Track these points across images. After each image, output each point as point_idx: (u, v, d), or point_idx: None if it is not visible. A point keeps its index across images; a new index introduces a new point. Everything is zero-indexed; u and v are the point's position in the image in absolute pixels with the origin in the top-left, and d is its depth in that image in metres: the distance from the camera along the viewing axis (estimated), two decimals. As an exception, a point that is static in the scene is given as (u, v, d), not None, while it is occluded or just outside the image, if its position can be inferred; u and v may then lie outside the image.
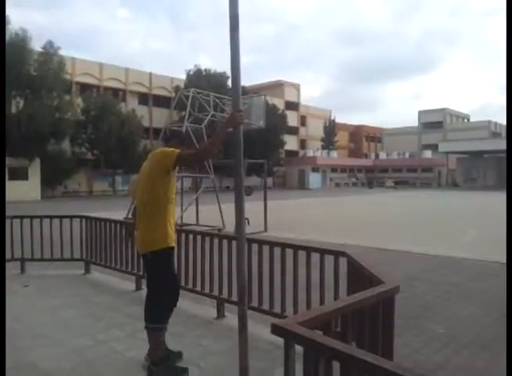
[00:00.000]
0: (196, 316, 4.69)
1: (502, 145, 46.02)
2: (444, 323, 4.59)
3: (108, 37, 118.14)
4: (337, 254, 3.77)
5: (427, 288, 6.09)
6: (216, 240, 4.75)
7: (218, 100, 12.89)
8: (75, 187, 34.02)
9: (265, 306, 4.24)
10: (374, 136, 70.10)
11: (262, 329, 3.91)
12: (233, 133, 2.89)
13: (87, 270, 6.71)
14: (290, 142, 50.57)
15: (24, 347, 3.79)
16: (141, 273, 5.68)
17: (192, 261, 4.93)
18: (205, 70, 40.27)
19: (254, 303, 4.27)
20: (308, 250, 4.00)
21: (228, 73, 2.94)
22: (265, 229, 11.65)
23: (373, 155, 63.22)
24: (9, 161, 27.36)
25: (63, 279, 6.34)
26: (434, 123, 63.01)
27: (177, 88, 36.22)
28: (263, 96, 13.73)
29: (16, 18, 59.33)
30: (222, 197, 12.09)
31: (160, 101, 40.80)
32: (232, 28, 2.77)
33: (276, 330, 1.74)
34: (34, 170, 28.60)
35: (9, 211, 9.23)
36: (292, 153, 52.52)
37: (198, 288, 4.91)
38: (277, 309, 4.12)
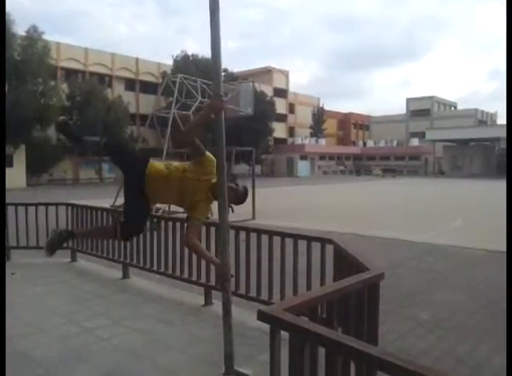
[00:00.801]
0: (183, 303, 4.70)
1: (488, 133, 46.58)
2: (428, 309, 4.66)
3: (94, 21, 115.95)
4: (324, 241, 3.80)
5: (412, 275, 6.18)
6: (204, 228, 4.74)
7: (205, 86, 12.77)
8: (61, 175, 33.63)
9: (252, 293, 4.26)
10: (362, 124, 70.30)
11: (249, 316, 3.93)
12: (215, 119, 2.83)
13: (73, 258, 6.66)
14: (279, 130, 50.47)
15: (13, 335, 3.76)
16: (127, 261, 5.66)
17: (180, 248, 4.92)
18: (192, 55, 39.78)
19: (242, 290, 4.30)
20: (295, 237, 4.02)
21: None
22: (253, 217, 11.67)
23: (360, 143, 63.47)
24: (-7, 148, 26.93)
25: (50, 267, 6.28)
26: (421, 111, 63.34)
27: (164, 74, 35.75)
28: (251, 83, 13.64)
29: (-2, 1, 57.51)
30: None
31: (147, 87, 40.28)
32: (212, 10, 2.71)
33: (262, 316, 1.74)
34: (20, 157, 28.15)
35: (-7, 199, 9.12)
36: (280, 141, 52.44)
37: (185, 276, 4.91)
38: (264, 295, 4.14)
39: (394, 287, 5.24)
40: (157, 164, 3.19)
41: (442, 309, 4.65)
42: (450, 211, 14.63)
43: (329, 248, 3.69)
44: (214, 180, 3.04)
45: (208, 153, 3.07)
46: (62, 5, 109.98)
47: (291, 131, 56.58)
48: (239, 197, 3.20)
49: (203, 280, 4.70)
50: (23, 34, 27.40)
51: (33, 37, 27.45)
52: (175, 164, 3.23)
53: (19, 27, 26.89)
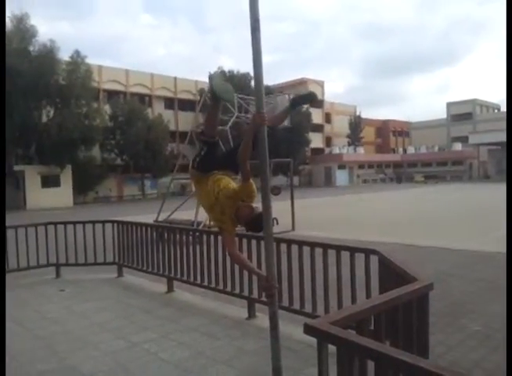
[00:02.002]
0: (227, 316, 4.72)
1: (536, 134, 44.33)
2: (479, 320, 4.46)
3: (133, 44, 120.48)
4: (368, 252, 3.72)
5: (460, 284, 5.94)
6: (245, 240, 4.76)
7: (242, 101, 12.92)
8: (106, 192, 34.76)
9: (296, 306, 4.22)
10: (401, 131, 68.76)
11: (293, 328, 3.90)
12: (258, 134, 2.89)
13: (120, 274, 6.84)
14: (316, 140, 50.19)
15: (64, 350, 3.90)
16: (172, 275, 5.75)
17: (222, 262, 4.96)
18: (228, 71, 40.44)
19: (285, 303, 4.26)
20: (338, 248, 3.96)
21: (251, 73, 2.93)
22: (293, 228, 11.61)
23: (400, 150, 62.06)
24: (41, 169, 28.22)
25: (97, 283, 6.49)
26: (463, 114, 61.31)
27: (201, 91, 36.47)
28: (287, 95, 13.68)
29: (44, 30, 61.14)
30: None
31: (186, 105, 41.21)
32: (253, 30, 2.76)
33: (309, 330, 1.72)
34: (66, 177, 29.36)
35: (43, 218, 9.55)
36: (318, 151, 52.11)
37: (228, 289, 4.93)
38: (308, 308, 4.10)
39: (442, 297, 5.05)
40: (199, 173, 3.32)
41: (494, 320, 4.44)
42: (498, 216, 13.98)
43: (374, 259, 3.61)
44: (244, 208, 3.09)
45: (252, 182, 3.12)
46: (102, 30, 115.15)
47: (328, 141, 56.14)
48: (253, 218, 3.06)
49: (246, 292, 4.71)
50: (67, 59, 28.77)
51: (76, 61, 28.76)
52: (221, 178, 3.29)
53: (62, 53, 28.30)
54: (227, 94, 3.13)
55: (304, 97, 3.42)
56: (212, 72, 40.26)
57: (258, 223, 3.04)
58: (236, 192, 3.14)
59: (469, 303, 5.07)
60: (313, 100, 3.39)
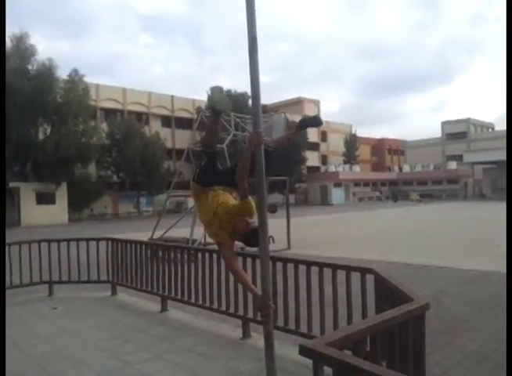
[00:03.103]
0: (222, 336, 4.66)
1: (530, 154, 44.73)
2: (476, 339, 4.42)
3: (131, 63, 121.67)
4: (364, 271, 3.70)
5: (457, 303, 5.90)
6: (240, 258, 4.73)
7: (239, 120, 13.02)
8: (101, 210, 34.60)
9: (291, 326, 4.17)
10: (397, 149, 69.29)
11: (289, 349, 3.85)
12: (255, 152, 2.92)
13: (113, 292, 6.76)
14: (312, 158, 50.46)
15: (55, 370, 3.82)
16: (166, 294, 5.69)
17: (217, 280, 4.92)
18: (226, 91, 40.84)
19: (280, 322, 4.21)
20: (334, 267, 3.94)
21: (249, 93, 3.02)
22: (289, 247, 11.56)
23: (396, 168, 62.42)
24: (37, 186, 28.13)
25: (91, 301, 6.41)
26: (457, 133, 61.96)
27: (198, 110, 36.64)
28: (283, 114, 13.82)
29: (42, 48, 61.75)
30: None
31: (183, 123, 41.43)
32: (251, 49, 2.81)
33: (305, 351, 1.70)
34: (62, 194, 29.25)
35: (37, 235, 9.48)
36: (314, 169, 52.33)
37: (223, 308, 4.88)
38: (303, 328, 4.05)
39: (439, 316, 5.01)
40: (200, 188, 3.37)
41: (491, 339, 4.40)
42: (494, 235, 14.00)
43: (370, 278, 3.59)
44: (240, 223, 3.14)
45: (250, 199, 3.16)
46: (100, 49, 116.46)
47: (324, 159, 56.44)
48: (249, 232, 3.11)
49: (240, 312, 4.66)
50: (65, 77, 28.97)
51: (74, 80, 28.98)
52: (220, 193, 3.32)
53: (60, 72, 28.52)
54: (223, 105, 3.31)
55: (312, 121, 3.52)
56: (209, 91, 40.73)
57: (255, 237, 3.07)
58: (235, 208, 3.20)
59: (466, 322, 5.04)
60: (319, 123, 3.50)
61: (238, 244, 3.43)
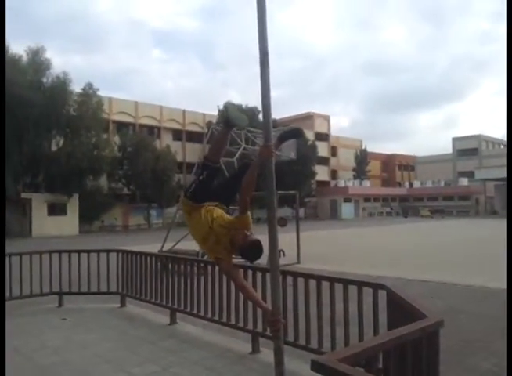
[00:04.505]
0: (230, 350, 4.62)
1: (543, 170, 44.22)
2: (490, 358, 4.33)
3: (143, 77, 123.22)
4: (376, 286, 3.65)
5: (469, 321, 5.80)
6: (250, 272, 4.71)
7: (249, 134, 13.09)
8: (112, 221, 34.75)
9: (302, 341, 4.12)
10: (407, 165, 68.95)
11: (299, 365, 3.80)
12: (265, 166, 2.92)
13: (123, 303, 6.76)
14: (321, 173, 50.39)
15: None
16: (175, 306, 5.67)
17: (226, 293, 4.89)
18: (237, 105, 41.15)
19: (290, 338, 4.16)
20: (345, 283, 3.90)
21: (259, 107, 3.04)
22: (298, 261, 11.49)
23: (406, 184, 62.04)
24: (48, 197, 28.40)
25: (100, 312, 6.40)
26: (468, 150, 61.55)
27: (209, 124, 36.97)
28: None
29: (57, 61, 62.94)
30: (254, 228, 12.06)
31: (193, 136, 41.73)
32: (262, 63, 2.84)
33: (316, 366, 1.68)
34: (73, 205, 29.48)
35: (48, 246, 9.54)
36: (323, 184, 52.22)
37: (232, 321, 4.84)
38: (314, 344, 4.00)
39: (452, 334, 4.92)
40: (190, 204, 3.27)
41: (504, 358, 4.29)
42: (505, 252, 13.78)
43: (382, 294, 3.54)
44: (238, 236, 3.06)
45: (249, 214, 3.13)
46: (113, 64, 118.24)
47: (334, 174, 56.34)
48: (248, 245, 3.02)
49: (250, 326, 4.62)
50: (79, 91, 29.44)
51: (88, 93, 29.44)
52: (213, 208, 3.26)
53: (73, 85, 28.97)
54: (242, 121, 3.21)
55: (291, 133, 3.48)
56: (220, 106, 41.08)
57: (253, 251, 3.02)
58: (232, 222, 3.14)
59: (479, 341, 4.94)
60: (299, 135, 3.44)
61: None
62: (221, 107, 40.53)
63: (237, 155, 12.82)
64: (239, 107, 38.10)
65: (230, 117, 3.20)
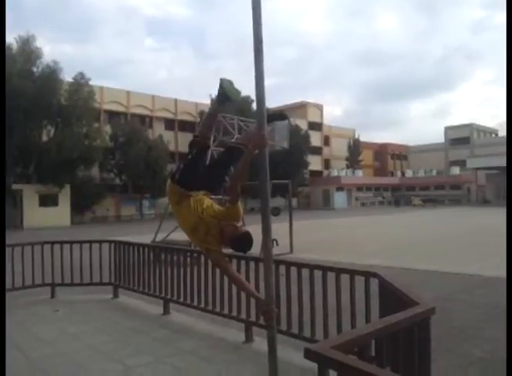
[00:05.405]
0: (223, 339, 4.64)
1: (533, 159, 44.53)
2: (481, 346, 4.38)
3: (135, 66, 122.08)
4: (368, 275, 3.67)
5: (462, 309, 5.86)
6: (243, 262, 4.71)
7: (242, 123, 13.03)
8: (104, 212, 34.65)
9: (295, 330, 4.15)
10: (400, 154, 69.22)
11: (292, 353, 3.82)
12: (258, 155, 2.90)
13: (115, 294, 6.75)
14: (314, 163, 50.47)
15: (55, 373, 3.81)
16: (168, 297, 5.67)
17: (220, 283, 4.90)
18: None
19: (283, 326, 4.19)
20: (338, 271, 3.92)
21: (252, 97, 3.03)
22: (291, 251, 11.54)
23: (399, 173, 62.36)
24: (40, 188, 28.19)
25: (92, 303, 6.39)
26: (460, 139, 61.87)
27: (202, 113, 36.83)
28: (287, 119, 13.79)
29: (48, 50, 61.95)
30: (247, 218, 12.05)
31: (186, 126, 41.53)
32: (257, 51, 2.82)
33: (310, 354, 1.68)
34: (65, 196, 29.30)
35: (40, 237, 9.49)
36: (316, 173, 52.32)
37: (225, 311, 4.86)
38: (307, 332, 4.02)
39: (444, 322, 4.97)
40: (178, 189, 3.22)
41: (497, 346, 4.35)
42: (498, 241, 13.93)
43: (374, 282, 3.56)
44: (228, 228, 3.05)
45: (239, 204, 3.11)
46: (104, 53, 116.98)
47: (327, 164, 56.45)
48: (238, 237, 3.03)
49: (243, 315, 4.64)
50: (70, 80, 29.08)
51: (80, 83, 29.09)
52: (203, 198, 3.24)
53: (64, 74, 28.61)
54: (234, 94, 3.25)
55: (278, 115, 3.67)
56: (213, 95, 40.80)
57: (244, 243, 3.02)
58: (222, 212, 3.11)
59: (470, 328, 5.00)
60: (285, 118, 3.53)
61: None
62: (214, 96, 40.32)
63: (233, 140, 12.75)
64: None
65: (223, 89, 3.22)
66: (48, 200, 28.39)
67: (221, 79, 3.26)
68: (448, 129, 64.26)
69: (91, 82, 30.16)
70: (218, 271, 4.91)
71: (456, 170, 55.48)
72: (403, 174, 61.08)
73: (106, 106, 36.62)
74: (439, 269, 8.85)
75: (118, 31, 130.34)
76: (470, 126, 62.04)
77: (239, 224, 3.11)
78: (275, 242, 10.46)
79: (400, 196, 56.26)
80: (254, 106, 3.07)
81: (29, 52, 27.47)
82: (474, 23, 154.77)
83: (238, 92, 3.28)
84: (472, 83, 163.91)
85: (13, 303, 6.25)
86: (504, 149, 50.51)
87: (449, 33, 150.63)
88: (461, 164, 54.20)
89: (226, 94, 3.20)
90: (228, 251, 3.38)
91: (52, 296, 6.81)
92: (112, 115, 36.77)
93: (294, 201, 43.21)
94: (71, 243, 6.94)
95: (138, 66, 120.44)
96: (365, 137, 63.30)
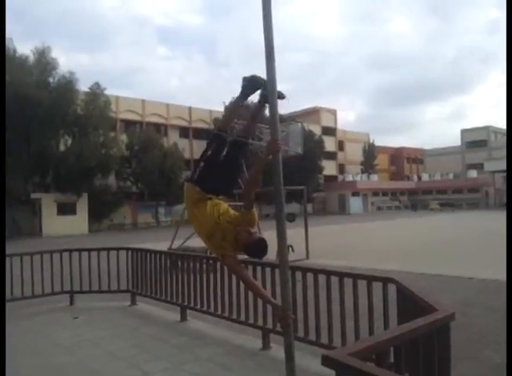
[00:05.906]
0: (241, 346, 4.63)
1: (554, 161, 43.65)
2: (502, 352, 4.29)
3: (149, 75, 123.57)
4: (385, 280, 3.64)
5: (481, 314, 5.76)
6: (259, 268, 4.71)
7: (255, 129, 13.05)
8: (121, 220, 34.97)
9: (312, 336, 4.12)
10: (415, 158, 68.54)
11: (310, 360, 3.80)
12: (272, 161, 2.90)
13: (133, 301, 6.80)
14: (329, 168, 50.26)
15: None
16: (185, 304, 5.70)
17: (236, 290, 4.90)
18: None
19: (300, 333, 4.17)
20: (355, 277, 3.89)
21: None
22: (307, 257, 11.48)
23: (415, 177, 61.69)
24: (58, 197, 28.62)
25: (111, 310, 6.45)
26: (477, 141, 60.99)
27: (216, 120, 37.01)
28: (300, 123, 13.80)
29: (63, 61, 63.32)
30: (262, 224, 12.05)
31: (200, 133, 41.75)
32: (268, 58, 2.84)
33: (327, 361, 1.67)
34: (82, 205, 29.69)
35: (58, 245, 9.63)
36: (331, 178, 52.09)
37: (242, 318, 4.85)
38: (324, 339, 4.00)
39: (463, 327, 4.89)
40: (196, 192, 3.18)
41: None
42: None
43: (391, 288, 3.53)
44: (241, 235, 3.03)
45: (254, 210, 3.11)
46: (118, 62, 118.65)
47: (341, 169, 56.16)
48: (253, 243, 3.00)
49: (260, 322, 4.63)
50: (85, 90, 29.55)
51: (96, 92, 29.55)
52: (219, 202, 3.23)
53: (80, 84, 29.07)
54: (257, 82, 3.17)
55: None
56: (226, 102, 41.02)
57: (258, 249, 3.00)
58: (237, 218, 3.09)
59: (491, 334, 4.90)
60: (282, 97, 3.36)
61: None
62: (227, 104, 40.57)
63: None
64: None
65: (246, 78, 3.20)
66: (66, 209, 28.80)
67: (243, 78, 3.22)
68: (464, 132, 63.41)
69: (106, 92, 30.62)
70: (234, 278, 4.91)
71: (473, 173, 54.65)
72: (419, 178, 60.41)
73: (122, 115, 37.09)
74: (459, 274, 8.70)
75: (130, 41, 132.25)
76: (486, 128, 61.12)
77: (254, 230, 3.10)
78: (290, 248, 10.43)
79: (417, 200, 55.61)
80: (267, 111, 3.07)
81: (45, 63, 28.02)
82: (488, 23, 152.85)
83: (261, 79, 3.18)
84: (488, 85, 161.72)
85: (33, 310, 6.36)
86: (523, 151, 49.34)
87: (463, 34, 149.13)
88: (478, 167, 53.39)
89: (250, 82, 3.18)
90: (243, 257, 3.38)
91: (71, 303, 6.90)
92: (128, 124, 37.24)
93: (309, 207, 43.07)
94: (89, 250, 7.03)
95: (150, 75, 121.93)
96: (380, 141, 62.89)
